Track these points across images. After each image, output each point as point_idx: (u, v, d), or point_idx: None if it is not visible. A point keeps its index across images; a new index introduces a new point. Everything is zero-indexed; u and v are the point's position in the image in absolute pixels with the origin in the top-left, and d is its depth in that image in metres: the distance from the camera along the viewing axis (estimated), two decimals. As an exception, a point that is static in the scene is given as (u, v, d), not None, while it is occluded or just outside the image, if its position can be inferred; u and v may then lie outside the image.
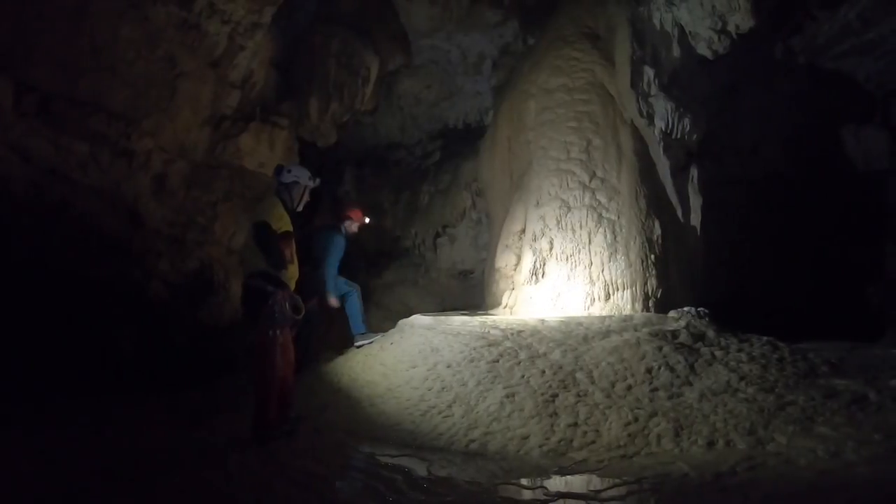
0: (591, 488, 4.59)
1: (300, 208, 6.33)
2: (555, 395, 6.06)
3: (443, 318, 8.33)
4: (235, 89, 8.83)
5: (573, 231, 8.79)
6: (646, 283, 8.42)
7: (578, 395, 6.05)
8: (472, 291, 11.81)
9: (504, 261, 9.70)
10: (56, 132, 7.36)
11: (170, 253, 8.62)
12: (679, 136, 8.82)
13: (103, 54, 7.41)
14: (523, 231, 9.51)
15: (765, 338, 7.28)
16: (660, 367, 6.39)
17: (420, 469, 5.10)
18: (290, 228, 6.00)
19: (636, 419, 5.63)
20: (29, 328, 7.11)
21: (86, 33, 7.24)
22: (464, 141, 12.63)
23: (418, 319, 8.33)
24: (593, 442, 5.44)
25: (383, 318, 10.73)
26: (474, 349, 7.05)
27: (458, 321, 7.98)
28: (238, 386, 7.63)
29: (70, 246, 7.78)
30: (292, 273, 6.02)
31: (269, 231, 5.74)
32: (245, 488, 4.82)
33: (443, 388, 6.43)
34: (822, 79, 10.31)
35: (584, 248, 8.69)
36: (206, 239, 8.95)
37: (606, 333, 7.19)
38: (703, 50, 8.63)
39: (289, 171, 6.20)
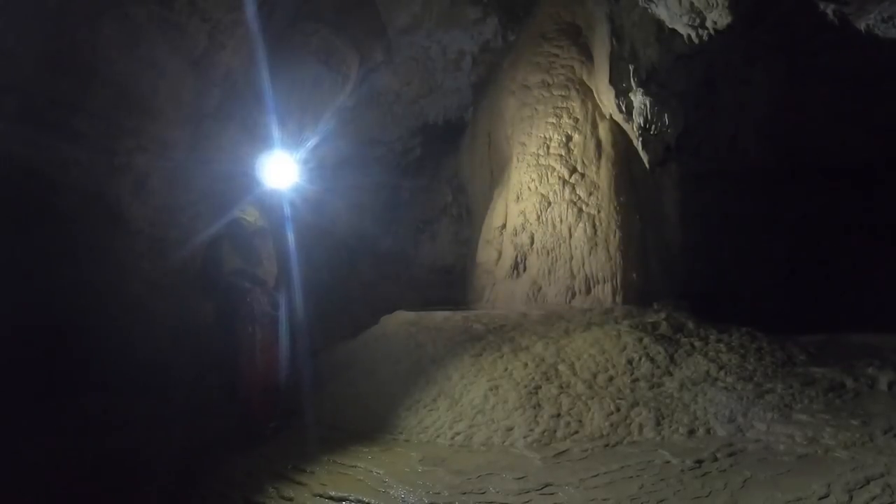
0: (576, 477, 4.66)
1: None
2: (538, 388, 6.13)
3: (425, 313, 8.38)
4: (216, 88, 8.79)
5: (553, 226, 8.86)
6: (626, 276, 8.50)
7: (561, 387, 6.13)
8: (454, 287, 11.84)
9: (485, 256, 9.76)
10: (37, 132, 7.31)
11: (152, 252, 8.58)
12: (657, 130, 8.90)
13: (84, 54, 7.37)
14: (504, 226, 9.58)
15: (743, 328, 7.39)
16: (640, 358, 6.49)
17: (406, 462, 5.15)
18: (266, 225, 6.03)
19: (618, 409, 5.72)
20: (6, 329, 7.07)
21: (66, 32, 7.19)
22: (444, 137, 12.64)
23: (401, 315, 8.37)
24: (576, 432, 5.53)
25: (365, 315, 10.74)
26: (457, 343, 7.12)
27: (441, 316, 8.04)
28: (221, 384, 7.62)
29: (50, 246, 7.74)
30: (269, 269, 6.04)
31: (242, 228, 5.77)
32: (233, 485, 4.85)
33: (427, 382, 6.49)
34: (801, 73, 10.42)
35: (564, 242, 8.77)
36: (187, 238, 8.92)
37: (587, 326, 7.28)
38: (680, 46, 8.69)
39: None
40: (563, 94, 9.44)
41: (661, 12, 8.45)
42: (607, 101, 9.08)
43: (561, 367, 6.46)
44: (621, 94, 8.91)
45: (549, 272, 8.72)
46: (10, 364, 6.83)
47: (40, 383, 7.04)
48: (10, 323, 7.08)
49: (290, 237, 8.00)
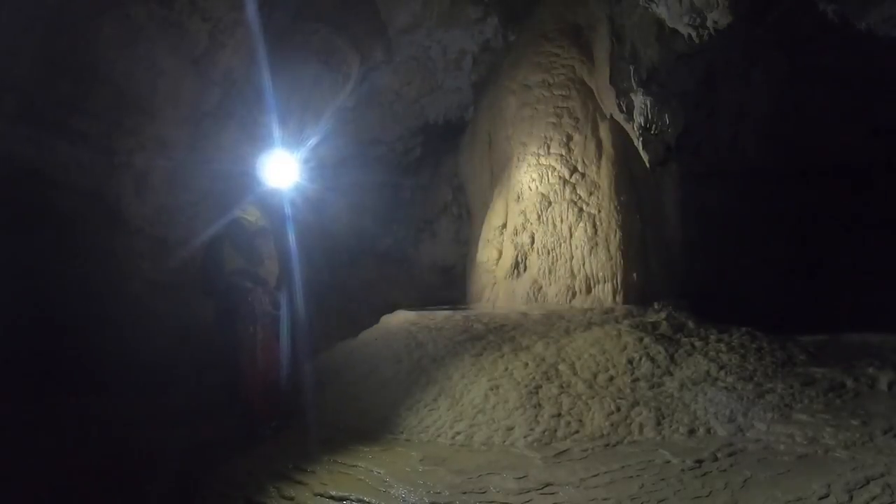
0: (576, 477, 4.66)
1: None
2: (538, 387, 6.13)
3: (426, 313, 8.39)
4: (216, 87, 8.79)
5: (554, 225, 8.87)
6: (626, 276, 8.51)
7: (561, 387, 6.14)
8: (454, 286, 11.85)
9: (485, 255, 9.77)
10: (36, 132, 7.31)
11: (152, 252, 8.58)
12: (658, 130, 8.90)
13: (84, 54, 7.37)
14: (504, 226, 9.59)
15: (743, 328, 7.40)
16: (641, 358, 6.49)
17: (407, 462, 5.16)
18: (267, 224, 6.03)
19: (618, 409, 5.72)
20: (7, 329, 7.06)
21: (66, 31, 7.19)
22: (444, 136, 12.65)
23: (402, 315, 8.38)
24: (577, 432, 5.53)
25: (366, 314, 10.75)
26: (458, 343, 7.12)
27: (441, 316, 8.04)
28: (222, 384, 7.62)
29: (50, 246, 7.73)
30: (270, 269, 6.05)
31: (243, 227, 5.77)
32: (234, 485, 4.86)
33: (428, 382, 6.49)
34: (801, 73, 10.43)
35: (564, 241, 8.77)
36: (188, 237, 8.91)
37: (588, 326, 7.28)
38: (681, 45, 8.69)
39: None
40: (564, 93, 9.44)
41: (662, 12, 8.45)
42: (608, 100, 9.09)
43: (561, 367, 6.47)
44: (622, 93, 8.92)
45: (550, 272, 8.73)
46: (10, 363, 6.83)
47: (39, 383, 7.03)
48: (10, 322, 7.08)
49: (291, 236, 8.01)
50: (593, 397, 5.92)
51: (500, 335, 7.21)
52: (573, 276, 8.62)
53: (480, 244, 9.93)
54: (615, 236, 8.59)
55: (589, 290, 8.55)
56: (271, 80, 9.77)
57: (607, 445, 5.28)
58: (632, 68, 8.88)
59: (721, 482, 4.32)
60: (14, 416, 6.34)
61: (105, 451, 5.55)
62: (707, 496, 4.16)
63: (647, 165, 9.07)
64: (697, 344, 6.89)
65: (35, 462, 5.28)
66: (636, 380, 6.20)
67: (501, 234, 9.57)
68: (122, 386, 7.43)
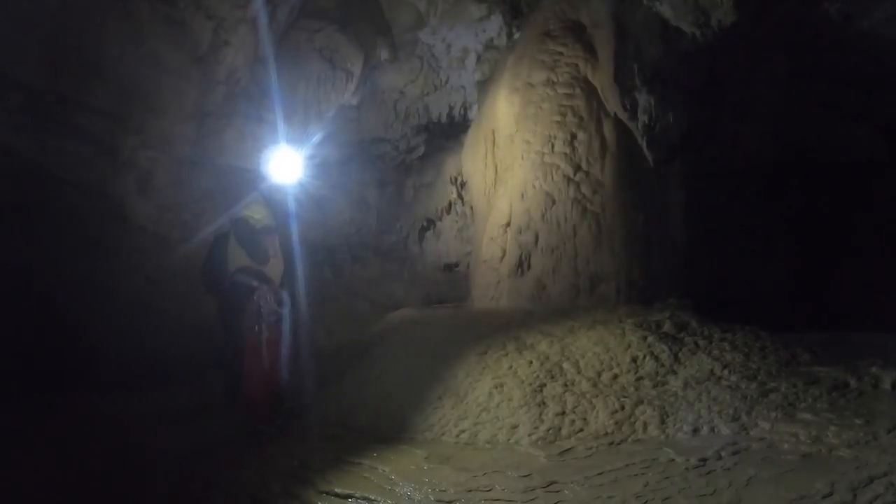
0: (581, 475, 4.66)
1: None
2: (542, 385, 6.13)
3: (430, 311, 8.40)
4: (220, 85, 8.81)
5: (558, 224, 8.85)
6: (630, 275, 8.49)
7: (565, 385, 6.13)
8: (458, 285, 11.85)
9: (489, 254, 9.75)
10: (41, 129, 7.33)
11: (155, 250, 8.60)
12: (662, 129, 8.89)
13: (88, 51, 7.38)
14: (508, 224, 9.57)
15: (747, 327, 7.38)
16: (644, 357, 6.48)
17: (411, 460, 5.16)
18: (272, 223, 6.03)
19: (622, 407, 5.72)
20: (9, 326, 7.08)
21: (71, 29, 7.21)
22: (448, 135, 12.65)
23: (406, 313, 8.38)
24: (581, 430, 5.53)
25: (370, 312, 10.76)
26: (462, 341, 7.11)
27: (446, 314, 8.05)
28: (225, 383, 7.63)
29: (54, 243, 7.76)
30: (275, 267, 6.05)
31: (249, 225, 5.77)
32: (238, 483, 4.86)
33: (432, 380, 6.49)
34: (804, 72, 10.42)
35: (568, 240, 8.76)
36: (191, 235, 8.93)
37: (592, 324, 7.27)
38: (685, 44, 8.68)
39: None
40: (568, 92, 9.41)
41: (666, 11, 8.46)
42: (612, 99, 9.07)
43: (565, 366, 6.46)
44: (626, 92, 8.90)
45: (554, 270, 8.71)
46: (10, 359, 6.85)
47: (41, 380, 7.06)
48: (12, 319, 7.10)
49: (295, 234, 8.01)
50: (597, 395, 5.92)
51: (504, 334, 7.20)
52: (577, 274, 8.61)
53: (484, 242, 9.91)
54: (619, 235, 8.58)
55: (593, 289, 8.53)
56: (275, 79, 9.79)
57: (611, 444, 5.28)
58: (636, 67, 8.86)
59: (725, 480, 4.33)
60: (14, 413, 6.35)
61: (107, 450, 5.55)
62: (711, 494, 4.16)
63: (651, 164, 9.05)
64: (701, 343, 6.88)
65: (36, 460, 5.30)
66: (640, 378, 6.20)
67: (505, 232, 9.54)
68: (125, 384, 7.45)
